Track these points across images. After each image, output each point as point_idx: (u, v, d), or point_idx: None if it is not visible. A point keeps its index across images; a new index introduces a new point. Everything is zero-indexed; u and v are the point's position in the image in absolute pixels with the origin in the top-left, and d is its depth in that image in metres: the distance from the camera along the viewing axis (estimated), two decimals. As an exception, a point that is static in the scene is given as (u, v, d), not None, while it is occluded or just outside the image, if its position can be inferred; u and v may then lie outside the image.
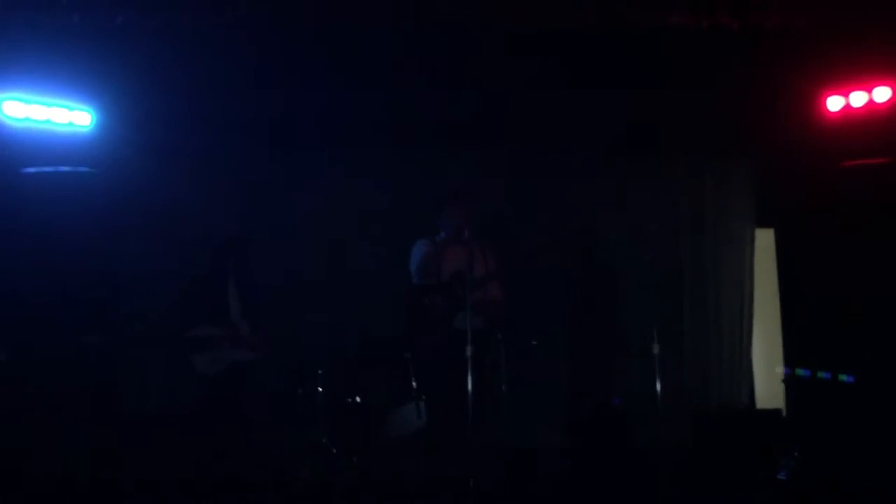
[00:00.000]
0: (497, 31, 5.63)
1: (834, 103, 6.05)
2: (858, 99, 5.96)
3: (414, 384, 5.89)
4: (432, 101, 6.34)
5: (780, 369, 6.90)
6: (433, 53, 5.92)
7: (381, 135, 6.71)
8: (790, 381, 6.76)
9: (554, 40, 5.74)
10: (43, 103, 5.78)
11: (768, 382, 7.23)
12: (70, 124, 5.89)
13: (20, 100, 5.71)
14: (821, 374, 6.03)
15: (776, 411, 6.36)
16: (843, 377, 5.91)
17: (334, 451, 5.68)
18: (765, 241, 7.35)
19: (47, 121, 5.81)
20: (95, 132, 6.00)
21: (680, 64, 5.97)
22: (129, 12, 5.54)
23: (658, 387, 5.52)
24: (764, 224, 7.34)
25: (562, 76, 6.17)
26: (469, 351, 4.79)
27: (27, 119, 5.75)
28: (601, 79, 6.13)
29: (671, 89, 6.22)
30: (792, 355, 6.96)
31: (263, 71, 6.08)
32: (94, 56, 5.67)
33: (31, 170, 5.82)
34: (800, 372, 6.29)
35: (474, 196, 5.73)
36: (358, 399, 5.96)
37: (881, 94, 5.86)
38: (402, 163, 7.01)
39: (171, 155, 6.57)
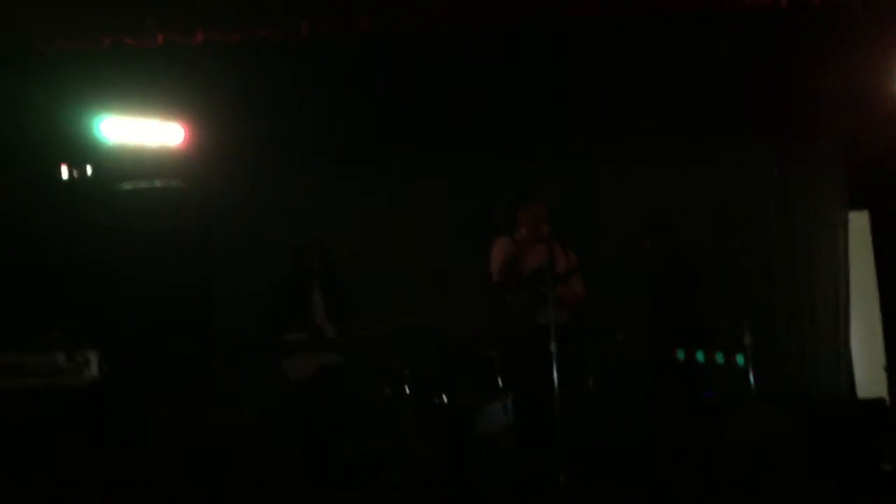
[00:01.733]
0: (565, 19, 5.62)
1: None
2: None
3: (500, 382, 5.89)
4: (499, 101, 6.35)
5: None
6: (484, 53, 5.95)
7: (460, 137, 6.77)
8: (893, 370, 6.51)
9: (622, 25, 5.69)
10: (137, 122, 6.04)
11: (870, 371, 6.95)
12: (163, 141, 6.14)
13: (116, 120, 5.98)
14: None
15: (879, 400, 6.12)
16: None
17: (423, 450, 5.73)
18: (859, 224, 7.08)
19: (141, 138, 6.09)
20: (186, 148, 6.23)
21: (762, 43, 5.83)
22: (209, 31, 5.74)
23: (752, 378, 5.36)
24: (858, 206, 7.06)
25: (643, 62, 6.10)
26: (553, 346, 4.76)
27: (123, 137, 6.02)
28: (684, 62, 6.04)
29: (755, 69, 6.06)
30: (894, 342, 6.70)
31: (340, 85, 6.21)
32: (183, 74, 5.90)
33: (129, 185, 6.08)
34: None
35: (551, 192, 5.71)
36: (445, 399, 5.99)
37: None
38: (480, 164, 7.03)
39: (259, 168, 6.77)
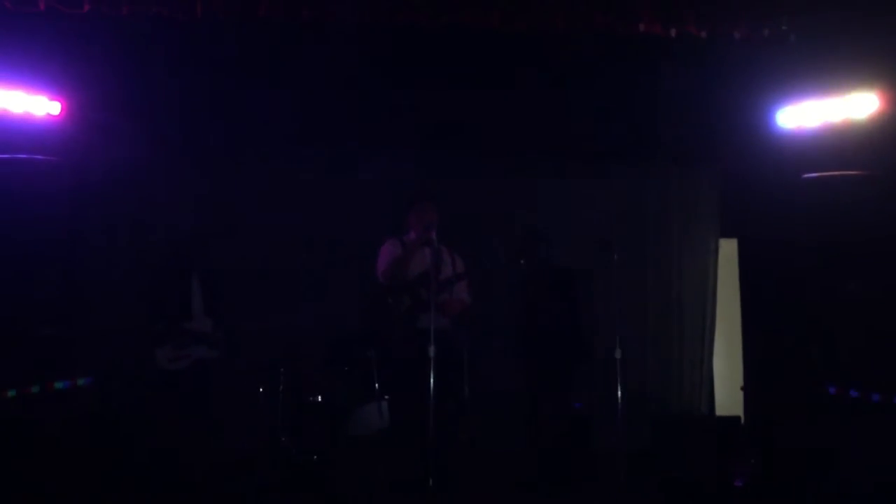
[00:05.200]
0: (456, 32, 5.68)
1: (796, 115, 6.15)
2: (821, 111, 6.06)
3: (376, 384, 5.87)
4: (394, 103, 6.34)
5: None
6: (389, 55, 5.94)
7: (345, 135, 6.69)
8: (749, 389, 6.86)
9: (519, 44, 5.79)
10: (2, 90, 5.66)
11: (728, 390, 7.30)
12: (28, 111, 5.78)
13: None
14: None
15: (735, 418, 6.44)
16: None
17: (295, 450, 5.64)
18: (727, 250, 7.44)
19: (6, 107, 5.70)
20: (55, 120, 5.89)
21: (648, 71, 6.04)
22: (96, 3, 5.48)
23: (620, 392, 5.54)
24: (727, 234, 7.42)
25: (535, 79, 6.20)
26: (432, 351, 4.78)
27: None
28: (570, 83, 6.18)
29: (639, 96, 6.27)
30: (752, 364, 7.06)
31: (229, 69, 6.04)
32: (60, 43, 5.59)
33: None
34: None
35: (441, 198, 5.72)
36: (320, 398, 5.93)
37: (843, 107, 5.96)
38: (368, 163, 6.99)
39: (136, 146, 6.49)
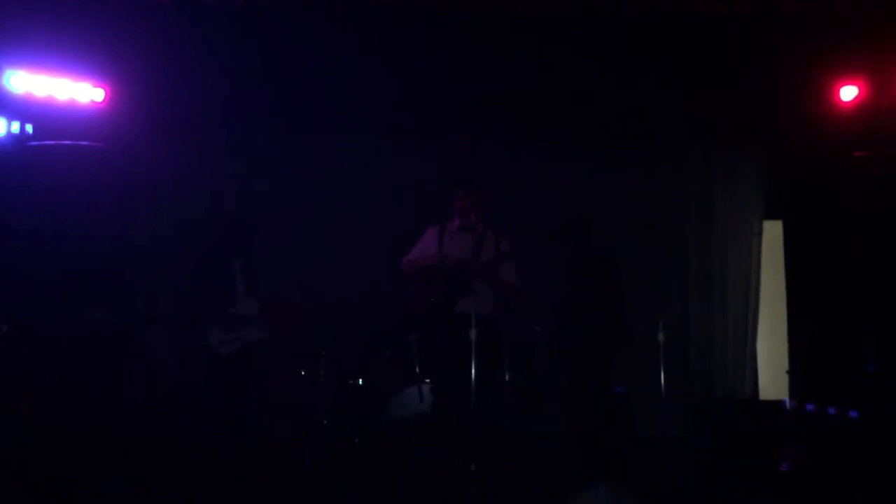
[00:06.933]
0: (501, 16, 5.61)
1: (847, 93, 5.99)
2: (871, 89, 5.90)
3: (417, 368, 5.88)
4: (441, 89, 6.31)
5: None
6: (433, 42, 5.90)
7: (390, 122, 6.69)
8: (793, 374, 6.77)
9: (561, 26, 5.71)
10: (48, 77, 5.73)
11: (773, 374, 7.20)
12: (73, 98, 5.85)
13: (25, 73, 5.66)
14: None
15: (779, 402, 6.35)
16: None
17: (336, 433, 5.68)
18: (772, 232, 7.31)
19: (52, 94, 5.77)
20: (99, 107, 5.96)
21: (693, 51, 5.93)
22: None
23: (662, 376, 5.49)
24: (772, 216, 7.29)
25: (571, 64, 6.12)
26: (473, 335, 4.77)
27: (31, 92, 5.70)
28: (613, 66, 6.09)
29: (683, 76, 6.16)
30: (797, 348, 6.95)
31: (273, 56, 6.05)
32: (104, 30, 5.64)
33: (35, 143, 5.78)
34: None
35: (482, 184, 5.70)
36: (361, 382, 5.95)
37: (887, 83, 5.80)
38: (409, 149, 6.99)
39: (182, 133, 6.56)
